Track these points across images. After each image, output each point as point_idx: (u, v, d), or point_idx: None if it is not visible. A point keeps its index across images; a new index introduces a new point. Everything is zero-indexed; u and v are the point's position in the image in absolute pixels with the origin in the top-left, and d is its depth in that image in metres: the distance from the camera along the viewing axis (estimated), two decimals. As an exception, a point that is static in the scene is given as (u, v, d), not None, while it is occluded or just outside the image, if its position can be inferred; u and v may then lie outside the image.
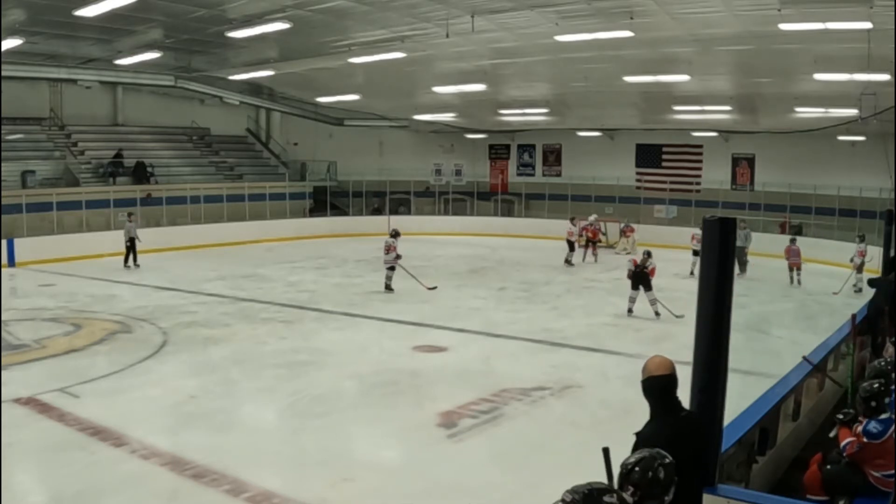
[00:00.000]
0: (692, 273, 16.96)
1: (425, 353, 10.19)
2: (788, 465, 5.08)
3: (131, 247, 18.02)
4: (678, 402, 3.06)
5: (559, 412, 7.92)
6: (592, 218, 22.19)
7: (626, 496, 2.48)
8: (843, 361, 6.98)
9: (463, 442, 6.90)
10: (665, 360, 3.09)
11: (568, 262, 19.56)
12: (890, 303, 7.27)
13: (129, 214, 18.75)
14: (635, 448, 2.82)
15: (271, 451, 6.60)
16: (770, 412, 4.60)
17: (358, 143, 28.62)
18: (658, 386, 3.03)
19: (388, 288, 14.65)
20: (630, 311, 12.77)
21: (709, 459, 3.39)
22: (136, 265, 17.99)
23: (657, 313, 12.50)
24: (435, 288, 14.81)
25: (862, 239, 16.51)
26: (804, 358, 5.63)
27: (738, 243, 16.63)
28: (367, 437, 7.16)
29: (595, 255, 20.91)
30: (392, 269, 14.68)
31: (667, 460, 2.56)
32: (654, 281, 12.76)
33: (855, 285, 15.53)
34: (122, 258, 18.16)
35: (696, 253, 17.18)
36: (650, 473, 2.50)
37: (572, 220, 20.73)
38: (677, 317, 12.11)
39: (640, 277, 12.73)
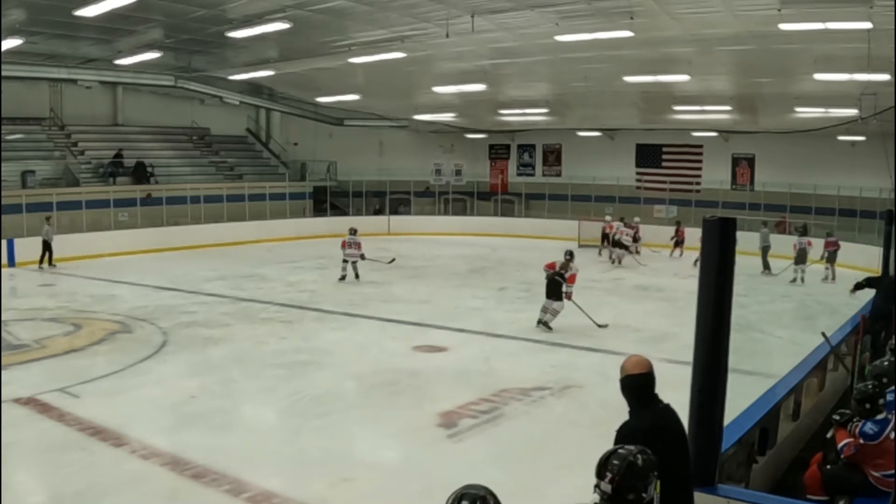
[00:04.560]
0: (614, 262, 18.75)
1: (425, 353, 10.18)
2: (788, 465, 5.09)
3: (46, 249, 17.85)
4: (655, 397, 3.11)
5: (559, 412, 7.92)
6: (637, 220, 22.33)
7: (604, 484, 2.50)
8: (843, 361, 6.97)
9: (463, 442, 6.90)
10: (642, 359, 3.14)
11: (619, 259, 19.85)
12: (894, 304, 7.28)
13: (47, 218, 18.28)
14: (615, 443, 2.83)
15: (271, 451, 6.60)
16: (770, 412, 4.60)
17: (358, 143, 28.62)
18: (635, 384, 3.09)
19: (351, 276, 16.05)
20: (540, 321, 11.32)
21: (709, 459, 3.40)
22: (52, 265, 17.82)
23: (544, 324, 11.18)
24: (394, 260, 16.63)
25: (803, 232, 17.86)
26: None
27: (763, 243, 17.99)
28: (367, 437, 7.16)
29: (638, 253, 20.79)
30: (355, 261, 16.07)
31: (647, 454, 2.57)
32: (654, 280, 12.48)
33: (794, 280, 16.73)
34: (116, 257, 18.28)
35: (616, 244, 19.74)
36: (627, 461, 2.51)
37: (622, 219, 20.90)
38: (600, 326, 11.39)
39: (554, 285, 11.17)
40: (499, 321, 12.27)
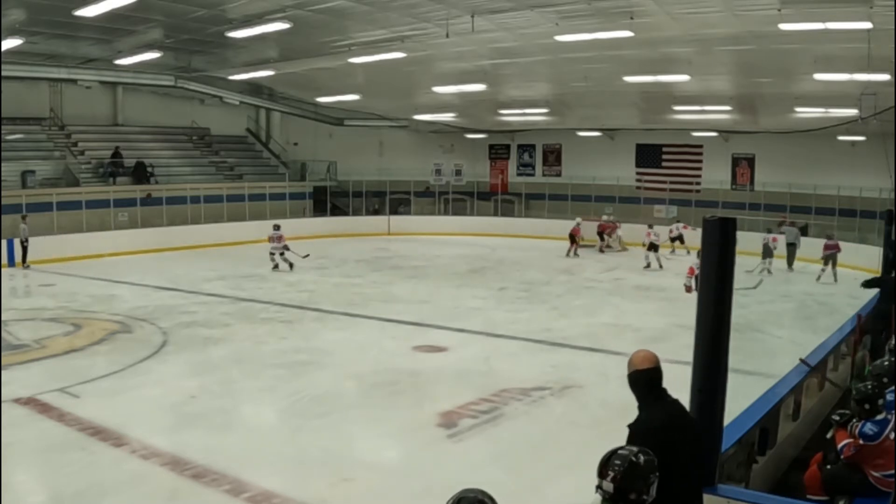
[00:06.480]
0: (648, 266, 18.74)
1: (425, 353, 10.18)
2: (788, 465, 5.08)
3: (24, 248, 17.78)
4: (664, 391, 3.11)
5: (559, 412, 7.92)
6: (604, 217, 23.34)
7: (606, 483, 2.50)
8: (843, 361, 6.98)
9: (463, 442, 6.90)
10: (649, 354, 3.14)
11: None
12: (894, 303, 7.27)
13: (23, 217, 18.11)
14: (629, 440, 2.84)
15: (271, 451, 6.61)
16: (770, 412, 4.60)
17: (358, 143, 28.61)
18: (644, 379, 3.08)
19: (289, 265, 17.69)
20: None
21: (709, 459, 3.40)
22: (26, 266, 17.75)
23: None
24: (307, 256, 17.92)
25: (773, 228, 19.22)
26: (801, 360, 5.62)
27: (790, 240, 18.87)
28: (367, 437, 7.17)
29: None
30: (282, 253, 17.77)
31: (649, 454, 2.58)
32: (654, 280, 12.35)
33: (762, 271, 17.44)
34: (116, 257, 18.38)
35: (651, 247, 19.43)
36: (629, 461, 2.52)
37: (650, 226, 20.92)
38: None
39: None
40: (499, 321, 12.26)
